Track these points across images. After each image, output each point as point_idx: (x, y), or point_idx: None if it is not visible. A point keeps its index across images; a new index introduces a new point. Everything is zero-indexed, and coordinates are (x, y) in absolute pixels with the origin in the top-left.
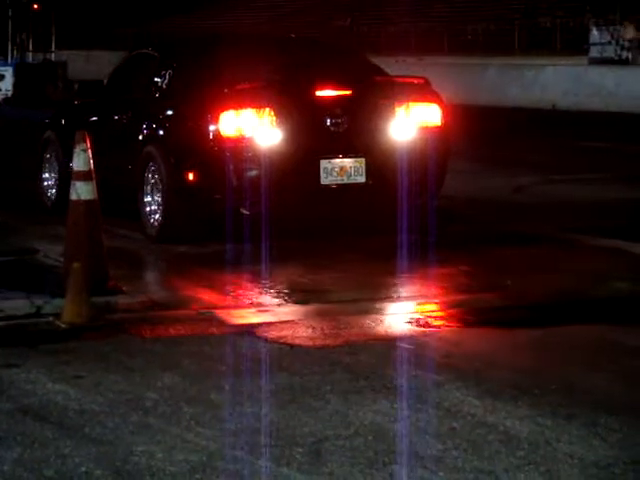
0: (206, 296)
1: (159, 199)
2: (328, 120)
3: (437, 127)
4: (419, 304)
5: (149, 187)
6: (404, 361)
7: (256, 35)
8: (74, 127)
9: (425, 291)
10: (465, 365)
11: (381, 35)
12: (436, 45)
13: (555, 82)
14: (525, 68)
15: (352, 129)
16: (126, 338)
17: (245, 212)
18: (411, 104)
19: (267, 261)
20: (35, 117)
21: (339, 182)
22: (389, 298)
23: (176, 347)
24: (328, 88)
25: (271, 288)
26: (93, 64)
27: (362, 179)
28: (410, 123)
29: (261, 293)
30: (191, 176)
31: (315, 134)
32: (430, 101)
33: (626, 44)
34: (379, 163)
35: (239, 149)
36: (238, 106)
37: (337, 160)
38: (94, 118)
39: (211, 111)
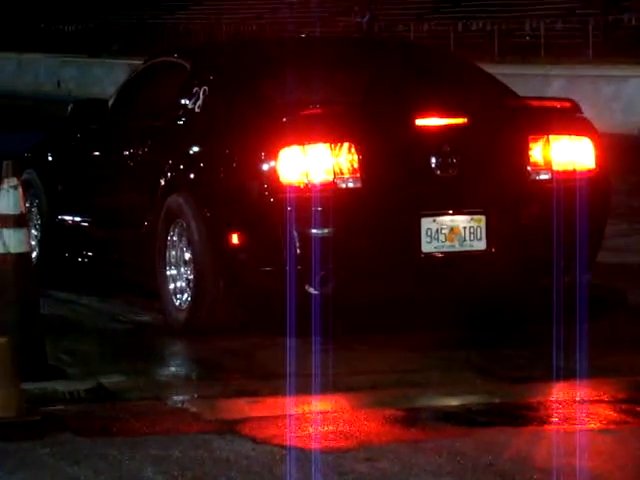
0: (179, 382)
1: (188, 272)
2: (433, 160)
3: (590, 171)
4: (459, 395)
5: (174, 254)
6: (436, 469)
7: (324, 38)
8: (66, 164)
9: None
10: (515, 475)
11: (410, 34)
12: (482, 49)
13: None
14: (602, 80)
15: (467, 174)
16: (68, 438)
17: (312, 291)
18: (553, 138)
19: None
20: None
21: (448, 249)
22: (419, 386)
23: (135, 451)
24: (433, 114)
25: (267, 374)
26: (28, 70)
27: (481, 246)
28: (552, 165)
29: (252, 378)
30: (235, 238)
31: (414, 180)
32: (580, 134)
33: None
34: (506, 223)
35: (305, 201)
36: (304, 140)
37: (446, 218)
38: (95, 153)
39: (265, 146)
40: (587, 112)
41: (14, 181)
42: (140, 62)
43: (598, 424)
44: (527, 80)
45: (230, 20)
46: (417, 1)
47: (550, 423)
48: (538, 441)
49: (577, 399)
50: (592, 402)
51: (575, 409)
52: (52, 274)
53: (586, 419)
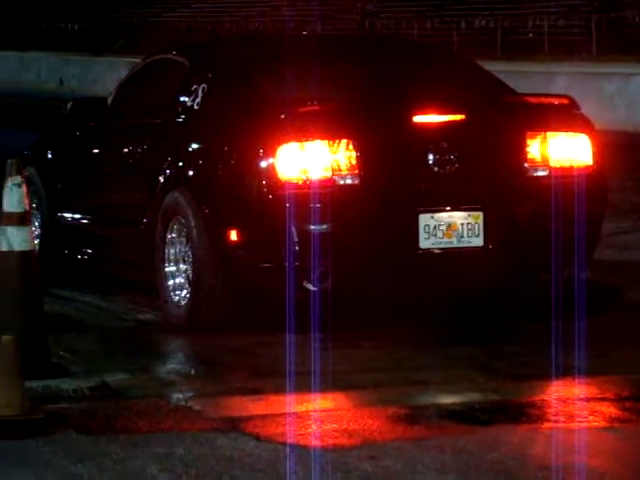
0: (182, 380)
1: (188, 268)
2: (431, 157)
3: (588, 167)
4: (462, 392)
5: (173, 251)
6: (440, 467)
7: (323, 36)
8: (65, 162)
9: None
10: (519, 472)
11: (410, 32)
12: (486, 46)
13: None
14: (605, 78)
15: (465, 170)
16: (71, 436)
17: (311, 288)
18: (550, 135)
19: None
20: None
21: (446, 245)
22: (422, 384)
23: (138, 449)
24: (430, 111)
25: (270, 371)
26: (30, 69)
27: (479, 242)
28: (549, 162)
29: (255, 376)
30: (234, 235)
31: (413, 177)
32: (578, 130)
33: None
34: (504, 220)
35: (303, 197)
36: (302, 136)
37: (444, 214)
38: (95, 150)
39: (263, 143)
40: (590, 109)
41: (18, 179)
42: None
43: (602, 422)
44: (530, 77)
45: (233, 18)
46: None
47: (554, 421)
48: (542, 439)
49: (581, 397)
50: (596, 400)
51: (579, 407)
52: (53, 272)
53: (590, 417)
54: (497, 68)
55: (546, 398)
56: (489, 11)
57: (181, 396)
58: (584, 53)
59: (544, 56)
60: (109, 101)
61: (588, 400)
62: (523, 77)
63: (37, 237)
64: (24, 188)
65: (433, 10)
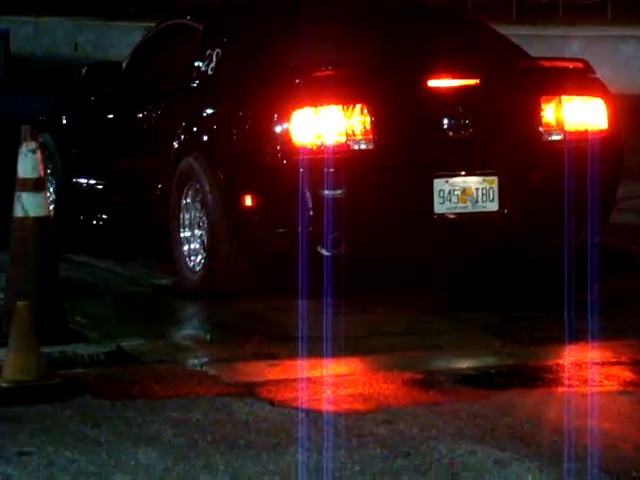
0: (198, 345)
1: (202, 234)
2: (446, 122)
3: (602, 131)
4: (477, 357)
5: (188, 216)
6: (456, 432)
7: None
8: (80, 128)
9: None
10: (534, 436)
11: None
12: (500, 10)
13: None
14: (620, 41)
15: (480, 135)
16: (88, 401)
17: (324, 253)
18: (565, 99)
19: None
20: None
21: (460, 210)
22: (437, 349)
23: (155, 414)
24: (445, 76)
25: (285, 337)
26: (45, 35)
27: (494, 206)
28: (564, 126)
29: (270, 341)
30: (248, 200)
31: (427, 141)
32: (592, 94)
33: None
34: (518, 184)
35: (317, 163)
36: (317, 101)
37: (458, 179)
38: (109, 116)
39: (278, 108)
40: (606, 73)
41: (33, 145)
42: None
43: (616, 386)
44: (545, 41)
45: None
46: None
47: (568, 385)
48: (557, 403)
49: (595, 361)
50: (610, 364)
51: (593, 371)
52: (68, 237)
53: (604, 381)
54: (512, 32)
55: (561, 362)
56: None
57: (196, 361)
58: (599, 16)
59: (559, 19)
60: (124, 66)
61: (603, 364)
62: (538, 41)
63: (52, 203)
64: (39, 154)
65: None
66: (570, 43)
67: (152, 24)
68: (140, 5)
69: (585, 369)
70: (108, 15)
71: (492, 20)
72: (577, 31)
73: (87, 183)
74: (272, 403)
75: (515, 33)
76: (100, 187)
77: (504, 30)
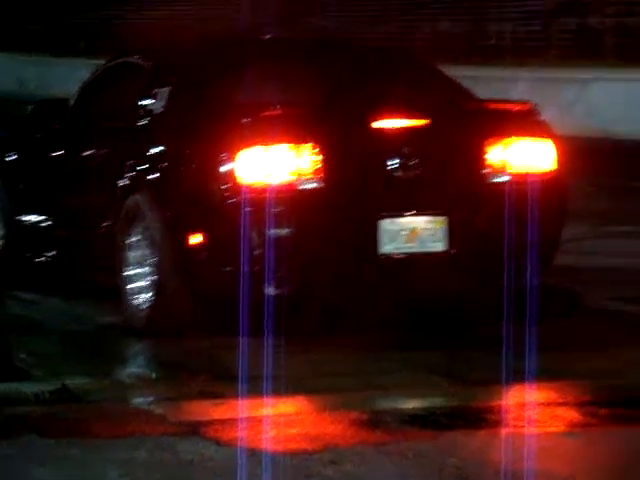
0: (143, 384)
1: (149, 272)
2: (394, 162)
3: (548, 173)
4: (423, 397)
5: (134, 254)
6: (402, 472)
7: (286, 39)
8: (27, 164)
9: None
10: (480, 477)
11: (373, 36)
12: (448, 52)
13: (606, 101)
14: (565, 83)
15: (428, 175)
16: (33, 440)
17: (271, 292)
18: (511, 141)
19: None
20: None
21: (407, 250)
22: (383, 389)
23: (100, 453)
24: (393, 116)
25: (231, 375)
26: None
27: (441, 247)
28: (510, 168)
29: (216, 379)
30: (195, 238)
31: (374, 181)
32: (538, 136)
33: None
34: (466, 225)
35: (263, 202)
36: (264, 141)
37: (405, 219)
38: (56, 152)
39: (225, 147)
40: (550, 114)
41: None
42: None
43: (563, 427)
44: (492, 83)
45: (195, 19)
46: (383, 2)
47: (515, 426)
48: (503, 444)
49: (541, 401)
50: (556, 404)
51: (539, 411)
52: (15, 274)
53: (551, 421)
54: (460, 73)
55: (507, 403)
56: (451, 16)
57: (142, 400)
58: (545, 58)
59: (506, 61)
60: (71, 103)
61: (548, 405)
62: (485, 82)
63: (1, 239)
64: None
65: (396, 14)
66: (516, 85)
67: (101, 61)
68: (90, 41)
69: (531, 410)
70: (55, 51)
71: (440, 61)
72: (523, 73)
73: (34, 220)
74: (218, 443)
75: (463, 74)
76: (47, 224)
77: (452, 71)
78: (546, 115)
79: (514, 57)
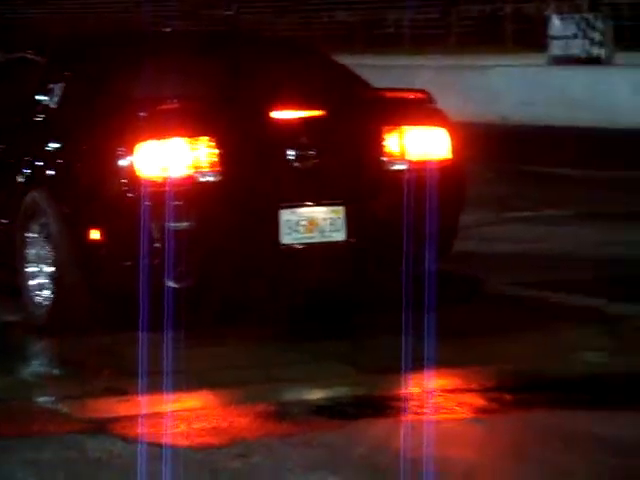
0: (47, 382)
1: (49, 269)
2: (291, 153)
3: (445, 161)
4: (329, 387)
5: (34, 251)
6: (310, 463)
7: (182, 32)
8: None
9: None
10: (388, 466)
11: (274, 27)
12: (346, 40)
13: (505, 87)
14: (466, 70)
15: (325, 165)
16: None
17: (172, 285)
18: (406, 129)
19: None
20: None
21: (307, 241)
22: (289, 380)
23: (5, 453)
24: (289, 107)
25: (135, 371)
26: None
27: (341, 236)
28: (406, 156)
29: (120, 376)
30: (94, 234)
31: (273, 173)
32: (433, 124)
33: (597, 37)
34: (364, 214)
35: (162, 195)
36: (161, 134)
37: (305, 209)
38: None
39: (122, 141)
40: (451, 102)
41: None
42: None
43: (468, 413)
44: (391, 71)
45: (96, 12)
46: None
47: (422, 413)
48: (410, 432)
49: (446, 388)
50: (460, 391)
51: (445, 398)
52: None
53: (457, 408)
54: (360, 62)
55: (412, 390)
56: (348, 4)
57: (47, 398)
58: (444, 46)
59: (405, 49)
60: None
61: (453, 391)
62: (385, 71)
63: None
64: None
65: (294, 5)
66: (416, 73)
67: None
68: None
69: (437, 397)
70: None
71: (339, 50)
72: (422, 61)
73: None
74: (125, 440)
75: (363, 63)
76: None
77: (351, 60)
78: (447, 102)
79: (413, 45)
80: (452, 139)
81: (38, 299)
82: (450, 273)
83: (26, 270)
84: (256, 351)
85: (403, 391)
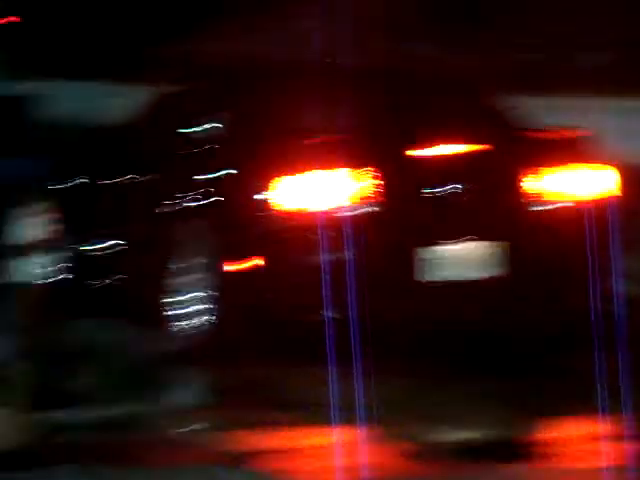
0: (195, 412)
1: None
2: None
3: (610, 198)
4: (483, 428)
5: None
6: None
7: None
8: None
9: None
10: None
11: (447, 64)
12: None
13: None
14: None
15: (485, 202)
16: None
17: (333, 316)
18: (573, 167)
19: None
20: None
21: (462, 277)
22: (444, 420)
23: None
24: (438, 143)
25: (287, 404)
26: None
27: (498, 272)
28: (568, 195)
29: (271, 408)
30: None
31: (428, 208)
32: (601, 163)
33: None
34: (524, 252)
35: (331, 226)
36: (326, 165)
37: (462, 245)
38: None
39: (290, 172)
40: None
41: None
42: None
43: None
44: (567, 111)
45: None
46: None
47: (580, 459)
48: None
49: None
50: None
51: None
52: None
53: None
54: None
55: (572, 435)
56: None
57: (190, 429)
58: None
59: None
60: None
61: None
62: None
63: None
64: None
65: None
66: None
67: None
68: None
69: (597, 444)
70: None
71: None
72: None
73: None
74: (257, 474)
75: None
76: None
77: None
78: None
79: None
80: (621, 178)
81: (189, 328)
82: None
83: (179, 298)
84: (410, 388)
85: (562, 436)
